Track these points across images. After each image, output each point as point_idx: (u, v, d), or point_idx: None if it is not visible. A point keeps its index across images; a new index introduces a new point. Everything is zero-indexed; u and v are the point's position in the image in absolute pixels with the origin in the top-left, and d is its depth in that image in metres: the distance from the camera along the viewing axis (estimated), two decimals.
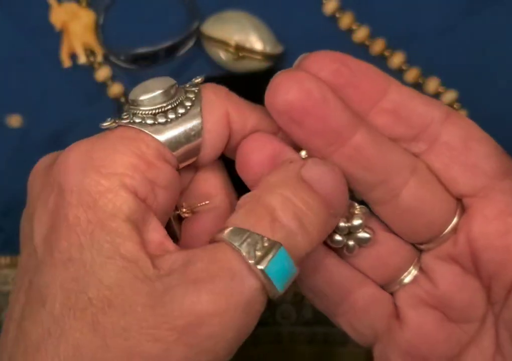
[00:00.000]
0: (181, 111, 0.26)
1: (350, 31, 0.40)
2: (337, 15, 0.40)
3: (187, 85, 0.27)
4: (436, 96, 0.39)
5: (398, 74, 0.39)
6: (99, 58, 0.40)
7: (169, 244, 0.24)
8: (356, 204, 0.27)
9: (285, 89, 0.25)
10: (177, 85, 0.26)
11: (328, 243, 0.27)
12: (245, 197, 0.25)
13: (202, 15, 0.39)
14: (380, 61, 0.39)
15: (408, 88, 0.26)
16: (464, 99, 0.39)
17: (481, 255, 0.26)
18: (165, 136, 0.25)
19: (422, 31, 0.39)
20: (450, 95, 0.39)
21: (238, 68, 0.39)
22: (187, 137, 0.25)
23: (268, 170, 0.26)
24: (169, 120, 0.25)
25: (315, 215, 0.24)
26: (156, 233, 0.24)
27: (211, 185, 0.28)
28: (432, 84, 0.39)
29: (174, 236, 0.28)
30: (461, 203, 0.27)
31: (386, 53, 0.39)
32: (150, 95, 0.25)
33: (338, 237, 0.27)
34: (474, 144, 0.26)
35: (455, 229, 0.26)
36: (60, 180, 0.24)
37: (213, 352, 0.22)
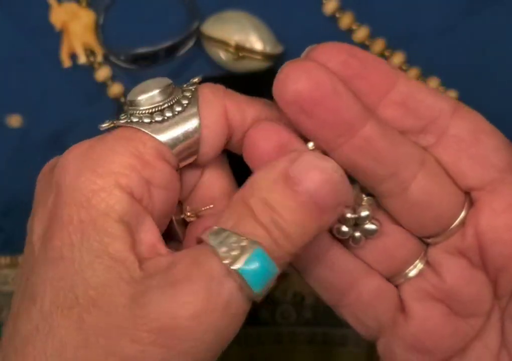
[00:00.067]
0: (178, 109, 0.25)
1: (350, 31, 0.40)
2: (337, 15, 0.40)
3: (185, 85, 0.27)
4: None
5: None
6: (99, 58, 0.40)
7: (161, 247, 0.24)
8: (363, 195, 0.27)
9: (294, 79, 0.24)
10: (174, 85, 0.26)
11: (334, 234, 0.27)
12: (235, 196, 0.25)
13: (202, 15, 0.39)
14: None
15: (416, 81, 0.26)
16: (464, 99, 0.39)
17: (489, 249, 0.26)
18: (162, 134, 0.25)
19: (422, 31, 0.39)
20: (450, 95, 0.39)
21: (238, 68, 0.39)
22: (185, 135, 0.25)
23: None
24: (166, 118, 0.25)
25: (295, 218, 0.23)
26: (149, 235, 0.24)
27: (216, 189, 0.28)
28: (432, 84, 0.39)
29: (178, 240, 0.28)
30: (469, 197, 0.26)
31: (386, 53, 0.39)
32: (147, 94, 0.26)
33: (344, 229, 0.26)
34: (482, 137, 0.26)
35: (462, 223, 0.26)
36: (58, 180, 0.24)
37: (191, 355, 0.22)
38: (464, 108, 0.26)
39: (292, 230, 0.23)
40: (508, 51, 0.39)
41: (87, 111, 0.40)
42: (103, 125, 0.26)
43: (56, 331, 0.23)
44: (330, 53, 0.25)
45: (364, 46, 0.39)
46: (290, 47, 0.39)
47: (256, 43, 0.38)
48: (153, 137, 0.25)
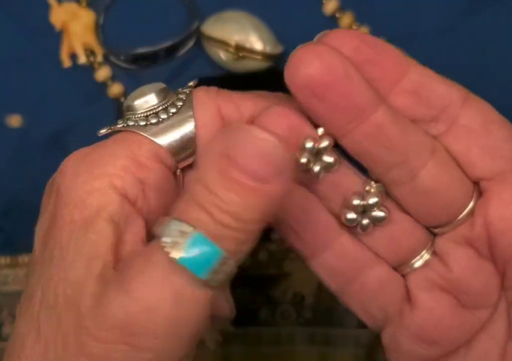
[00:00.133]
0: (172, 110, 0.26)
1: None
2: (337, 15, 0.40)
3: (180, 89, 0.27)
4: None
5: None
6: (99, 58, 0.40)
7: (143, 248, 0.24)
8: (372, 182, 0.26)
9: (307, 63, 0.24)
10: (169, 89, 0.27)
11: (341, 221, 0.26)
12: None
13: (202, 15, 0.39)
14: None
15: (427, 69, 0.26)
16: None
17: (498, 240, 0.26)
18: (158, 135, 0.25)
19: (422, 31, 0.39)
20: None
21: (238, 68, 0.39)
22: (181, 135, 0.26)
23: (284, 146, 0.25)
24: (161, 120, 0.26)
25: (233, 197, 0.22)
26: (136, 236, 0.24)
27: None
28: None
29: None
30: (477, 187, 0.26)
31: None
32: (142, 99, 0.26)
33: (352, 215, 0.26)
34: (493, 127, 0.26)
35: (471, 213, 0.26)
36: (58, 183, 0.25)
37: (154, 350, 0.22)
38: (474, 97, 0.26)
39: (233, 209, 0.22)
40: (508, 51, 0.39)
41: (87, 111, 0.40)
42: (101, 131, 0.26)
43: (42, 332, 0.23)
44: (343, 39, 0.25)
45: None
46: (290, 47, 0.39)
47: (256, 43, 0.38)
48: (148, 139, 0.25)
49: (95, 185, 0.24)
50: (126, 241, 0.24)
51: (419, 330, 0.27)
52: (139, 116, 0.26)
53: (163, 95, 0.26)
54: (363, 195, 0.26)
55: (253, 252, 0.38)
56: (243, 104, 0.27)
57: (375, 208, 0.26)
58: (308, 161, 0.25)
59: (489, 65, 0.39)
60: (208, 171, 0.23)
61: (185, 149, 0.26)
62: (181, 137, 0.26)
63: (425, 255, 0.27)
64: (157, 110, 0.26)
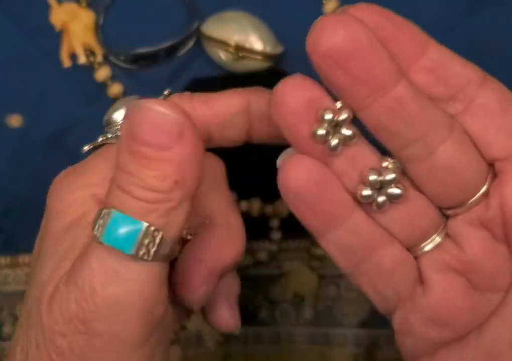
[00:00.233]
0: None
1: None
2: None
3: None
4: None
5: None
6: (99, 58, 0.40)
7: None
8: (389, 158, 0.26)
9: (331, 32, 0.23)
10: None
11: (356, 198, 0.26)
12: None
13: (202, 15, 0.39)
14: None
15: (446, 49, 0.26)
16: None
17: None
18: None
19: None
20: None
21: (238, 68, 0.39)
22: None
23: (304, 118, 0.25)
24: None
25: (139, 169, 0.23)
26: None
27: (211, 204, 0.29)
28: None
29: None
30: (493, 168, 0.26)
31: None
32: (118, 111, 0.28)
33: (368, 192, 0.26)
34: (510, 108, 0.25)
35: (485, 194, 0.26)
36: (47, 199, 0.27)
37: (106, 333, 0.23)
38: (491, 78, 0.26)
39: (150, 182, 0.23)
40: (508, 51, 0.39)
41: (87, 111, 0.40)
42: (84, 148, 0.28)
43: (21, 334, 0.25)
44: (365, 13, 0.24)
45: None
46: (290, 47, 0.39)
47: (256, 43, 0.38)
48: None
49: (76, 195, 0.26)
50: None
51: (431, 312, 0.27)
52: (117, 127, 0.28)
53: None
54: (380, 171, 0.26)
55: (253, 252, 0.38)
56: (217, 103, 0.28)
57: (392, 185, 0.26)
58: (327, 133, 0.25)
59: (489, 65, 0.39)
60: (121, 154, 0.24)
61: None
62: None
63: (437, 238, 0.27)
64: None
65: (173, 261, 0.28)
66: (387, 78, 0.24)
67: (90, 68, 0.40)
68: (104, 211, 0.24)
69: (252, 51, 0.38)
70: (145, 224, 0.23)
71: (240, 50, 0.38)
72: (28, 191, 0.39)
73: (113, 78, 0.40)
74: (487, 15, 0.39)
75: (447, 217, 0.27)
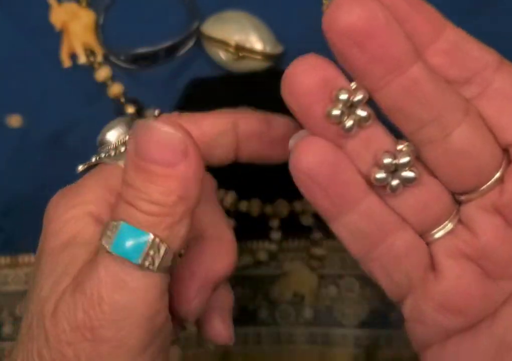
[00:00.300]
0: None
1: None
2: None
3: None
4: None
5: None
6: (99, 58, 0.40)
7: None
8: (404, 141, 0.25)
9: (347, 10, 0.23)
10: (135, 119, 0.30)
11: (370, 181, 0.25)
12: None
13: (202, 15, 0.39)
14: None
15: (463, 32, 0.25)
16: None
17: None
18: None
19: None
20: None
21: (238, 68, 0.39)
22: None
23: (318, 98, 0.24)
24: None
25: (145, 184, 0.24)
26: None
27: (204, 218, 0.29)
28: None
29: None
30: (507, 154, 0.26)
31: None
32: (111, 131, 0.30)
33: (382, 175, 0.25)
34: None
35: (500, 179, 0.26)
36: (44, 218, 0.28)
37: (111, 340, 0.24)
38: (508, 63, 0.26)
39: (156, 197, 0.24)
40: (508, 52, 0.39)
41: (87, 111, 0.40)
42: (79, 168, 0.30)
43: (21, 349, 0.25)
44: None
45: None
46: (290, 47, 0.39)
47: (256, 43, 0.38)
48: (119, 166, 0.28)
49: (72, 213, 0.27)
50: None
51: (444, 298, 0.26)
52: (110, 147, 0.29)
53: (131, 124, 0.29)
54: (394, 154, 0.25)
55: (253, 252, 0.38)
56: (204, 122, 0.29)
57: (406, 168, 0.25)
58: (342, 114, 0.24)
59: None
60: (128, 170, 0.25)
61: None
62: None
63: (449, 225, 0.26)
64: (125, 139, 0.29)
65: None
66: (403, 58, 0.24)
67: (90, 68, 0.40)
68: (113, 223, 0.24)
69: (252, 51, 0.38)
70: (151, 236, 0.24)
71: (240, 50, 0.38)
72: (28, 191, 0.39)
73: (113, 78, 0.40)
74: (487, 15, 0.39)
75: (460, 203, 0.27)
